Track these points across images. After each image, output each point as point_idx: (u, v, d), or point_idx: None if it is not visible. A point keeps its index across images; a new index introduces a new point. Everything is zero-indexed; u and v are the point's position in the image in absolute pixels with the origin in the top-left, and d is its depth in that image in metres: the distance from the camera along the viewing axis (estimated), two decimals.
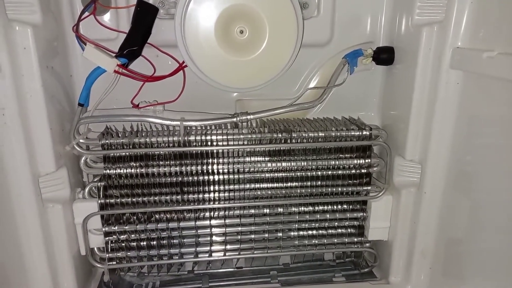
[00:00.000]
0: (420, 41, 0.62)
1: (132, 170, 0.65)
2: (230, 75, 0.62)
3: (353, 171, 0.70)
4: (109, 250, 0.69)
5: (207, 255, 0.73)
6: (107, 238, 0.68)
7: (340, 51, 0.72)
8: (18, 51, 0.54)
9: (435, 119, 0.63)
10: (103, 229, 0.67)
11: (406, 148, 0.67)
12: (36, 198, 0.59)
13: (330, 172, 0.70)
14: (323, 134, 0.67)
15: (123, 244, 0.70)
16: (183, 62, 0.65)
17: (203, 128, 0.68)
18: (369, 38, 0.72)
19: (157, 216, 0.70)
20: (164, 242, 0.71)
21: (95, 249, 0.69)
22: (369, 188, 0.71)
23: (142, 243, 0.70)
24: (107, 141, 0.64)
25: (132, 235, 0.69)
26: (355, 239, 0.75)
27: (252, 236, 0.73)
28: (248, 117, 0.67)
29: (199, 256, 0.73)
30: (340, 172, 0.70)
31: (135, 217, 0.69)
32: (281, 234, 0.73)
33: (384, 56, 0.70)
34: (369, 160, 0.69)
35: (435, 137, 0.64)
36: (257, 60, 0.61)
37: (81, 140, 0.63)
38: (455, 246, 0.64)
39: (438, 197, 0.66)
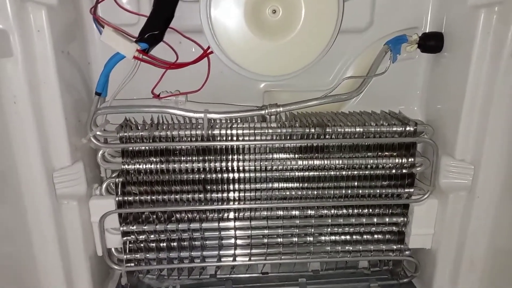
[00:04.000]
0: (477, 25, 0.54)
1: (152, 166, 0.61)
2: (260, 61, 0.56)
3: (394, 171, 0.63)
4: (127, 251, 0.65)
5: (231, 259, 0.68)
6: (125, 238, 0.64)
7: (379, 38, 0.65)
8: (31, 33, 0.49)
9: (492, 115, 0.56)
10: (121, 228, 0.63)
11: (456, 146, 0.59)
12: (50, 194, 0.55)
13: (367, 172, 0.63)
14: (361, 130, 0.61)
15: (142, 245, 0.65)
16: (208, 48, 0.60)
17: (228, 121, 0.62)
18: (413, 23, 0.65)
19: (178, 215, 0.65)
20: (185, 243, 0.66)
21: (113, 249, 0.65)
22: (411, 190, 0.64)
23: (161, 244, 0.65)
24: (125, 133, 0.59)
25: (151, 236, 0.65)
26: (394, 247, 0.67)
27: (280, 239, 0.67)
28: (278, 109, 0.61)
29: (222, 260, 0.67)
30: (378, 172, 0.63)
31: (154, 216, 0.64)
32: (311, 239, 0.67)
33: (432, 43, 0.62)
34: (413, 159, 0.62)
35: (491, 134, 0.57)
36: (290, 44, 0.55)
37: (98, 133, 0.59)
38: (509, 257, 0.57)
39: (493, 202, 0.59)
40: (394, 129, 0.61)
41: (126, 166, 0.60)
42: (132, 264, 0.66)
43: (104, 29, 0.55)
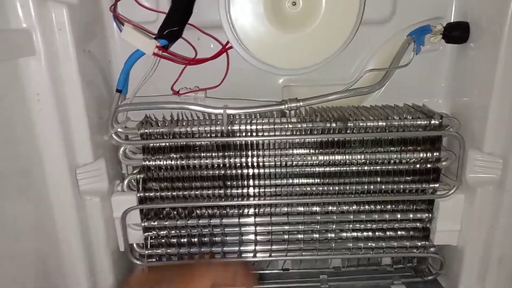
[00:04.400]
0: (506, 12, 0.52)
1: (172, 162, 0.61)
2: (280, 54, 0.55)
3: (418, 166, 0.61)
4: (149, 246, 0.65)
5: (251, 255, 0.67)
6: (146, 233, 0.65)
7: (402, 29, 0.63)
8: (53, 32, 0.50)
9: None
10: (142, 224, 0.63)
11: (484, 139, 0.57)
12: (74, 191, 0.56)
13: (391, 167, 0.61)
14: (384, 124, 0.59)
15: (163, 241, 0.66)
16: (227, 43, 0.59)
17: (248, 116, 0.62)
18: (437, 13, 0.63)
19: (198, 211, 0.65)
20: (205, 239, 0.66)
21: (134, 245, 0.66)
22: (436, 185, 0.62)
23: (182, 240, 0.66)
24: (146, 130, 0.60)
25: (172, 231, 0.65)
26: (418, 243, 0.66)
27: (300, 236, 0.67)
28: (298, 104, 0.60)
29: (242, 256, 0.67)
30: (402, 167, 0.61)
31: (175, 212, 0.65)
32: (333, 235, 0.66)
33: (457, 33, 0.60)
34: (438, 154, 0.60)
35: None
36: (311, 36, 0.54)
37: (119, 129, 0.59)
38: None
39: None
40: (419, 122, 0.59)
41: (147, 162, 0.61)
42: (154, 260, 0.67)
43: (124, 26, 0.55)
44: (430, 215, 0.64)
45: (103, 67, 0.62)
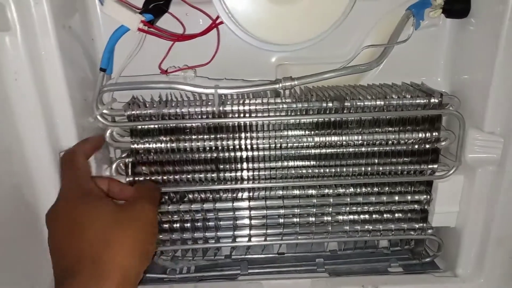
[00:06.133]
0: None
1: (162, 145, 0.58)
2: (273, 28, 0.52)
3: (417, 146, 0.59)
4: None
5: (246, 239, 0.66)
6: None
7: (401, 4, 0.60)
8: (29, 6, 0.46)
9: None
10: None
11: (485, 118, 0.55)
12: (58, 175, 0.53)
13: (388, 148, 0.60)
14: (382, 103, 0.57)
15: None
16: (217, 18, 0.56)
17: (241, 97, 0.59)
18: None
19: (190, 196, 0.63)
20: (198, 224, 0.64)
21: None
22: (435, 166, 0.60)
23: (175, 225, 0.64)
24: (133, 111, 0.57)
25: (164, 217, 0.63)
26: (416, 225, 0.64)
27: (296, 219, 0.65)
28: (293, 83, 0.57)
29: (237, 240, 0.66)
30: (400, 148, 0.60)
31: (166, 197, 0.62)
32: (329, 218, 0.64)
33: (458, 6, 0.57)
34: (437, 134, 0.58)
35: None
36: (306, 8, 0.51)
37: (105, 111, 0.56)
38: None
39: None
40: (418, 101, 0.57)
41: (136, 145, 0.58)
42: None
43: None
44: (428, 196, 0.62)
45: (86, 45, 0.58)
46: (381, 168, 0.60)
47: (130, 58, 0.55)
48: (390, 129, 0.59)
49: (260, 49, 0.59)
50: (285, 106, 0.57)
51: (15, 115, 0.49)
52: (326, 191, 0.63)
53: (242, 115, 0.58)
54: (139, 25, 0.51)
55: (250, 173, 0.61)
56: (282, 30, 0.53)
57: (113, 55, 0.57)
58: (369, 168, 0.60)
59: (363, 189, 0.63)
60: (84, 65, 0.58)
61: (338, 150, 0.59)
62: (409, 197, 0.63)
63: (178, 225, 0.63)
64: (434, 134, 0.58)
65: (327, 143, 0.59)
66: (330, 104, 0.57)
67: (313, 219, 0.65)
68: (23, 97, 0.48)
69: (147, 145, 0.58)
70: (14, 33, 0.46)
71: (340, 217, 0.65)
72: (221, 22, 0.56)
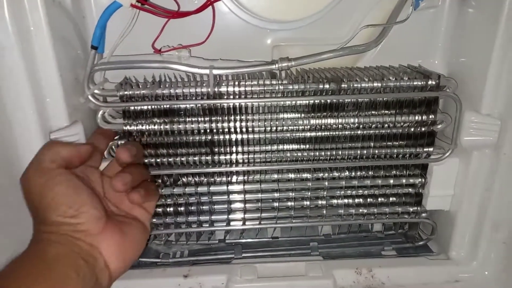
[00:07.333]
0: None
1: (156, 127, 0.57)
2: (271, 3, 0.50)
3: (412, 129, 0.59)
4: None
5: (240, 223, 0.65)
6: None
7: None
8: None
9: None
10: None
11: (482, 101, 0.55)
12: None
13: (384, 131, 0.59)
14: (380, 85, 0.56)
15: None
16: None
17: (236, 77, 0.58)
18: None
19: (184, 179, 0.62)
20: (192, 208, 0.64)
21: None
22: (431, 149, 0.60)
23: (168, 209, 0.63)
24: (126, 92, 0.55)
25: (158, 201, 0.62)
26: (410, 209, 0.65)
27: (290, 203, 0.65)
28: (289, 63, 0.56)
29: (231, 224, 0.65)
30: (396, 131, 0.59)
31: (160, 180, 0.61)
32: (324, 202, 0.64)
33: None
34: (433, 116, 0.58)
35: None
36: None
37: (96, 91, 0.55)
38: None
39: None
40: (415, 83, 0.56)
41: (128, 127, 0.57)
42: None
43: None
44: (423, 180, 0.62)
45: (77, 23, 0.56)
46: (376, 151, 0.60)
47: (123, 37, 0.53)
48: (386, 111, 0.58)
49: (256, 27, 0.57)
50: (281, 87, 0.56)
51: (3, 92, 0.47)
52: (321, 174, 0.63)
53: (237, 96, 0.57)
54: (132, 0, 0.49)
55: (245, 156, 0.60)
56: (280, 6, 0.51)
57: (105, 34, 0.55)
58: (365, 151, 0.60)
59: (358, 173, 0.63)
60: (74, 43, 0.56)
61: (334, 133, 0.59)
62: (404, 181, 0.63)
63: (171, 209, 0.63)
64: (430, 116, 0.58)
65: (323, 126, 0.58)
66: (327, 86, 0.56)
67: (308, 202, 0.64)
68: (11, 73, 0.46)
69: (140, 127, 0.57)
70: (1, 6, 0.44)
71: (335, 201, 0.64)
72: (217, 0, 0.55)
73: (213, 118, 0.58)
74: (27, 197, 0.44)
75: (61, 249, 0.41)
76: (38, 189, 0.43)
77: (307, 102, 0.58)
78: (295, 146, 0.60)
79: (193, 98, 0.57)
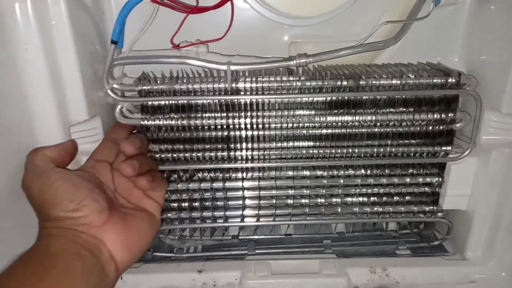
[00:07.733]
0: None
1: (173, 122, 0.57)
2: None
3: (431, 128, 0.59)
4: None
5: (255, 219, 0.65)
6: None
7: None
8: None
9: None
10: None
11: (503, 99, 0.54)
12: None
13: (402, 129, 0.59)
14: (399, 82, 0.56)
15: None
16: None
17: (253, 74, 0.58)
18: None
19: (200, 175, 0.63)
20: (207, 203, 0.64)
21: None
22: (449, 148, 0.59)
23: (183, 204, 0.63)
24: (144, 87, 0.55)
25: (173, 195, 0.62)
26: (426, 208, 0.64)
27: (305, 200, 0.64)
28: (307, 60, 0.56)
29: (245, 220, 0.65)
30: (414, 129, 0.59)
31: (176, 176, 0.62)
32: (338, 200, 0.64)
33: None
34: (453, 115, 0.57)
35: None
36: None
37: (115, 86, 0.55)
38: None
39: None
40: (435, 81, 0.56)
41: (146, 122, 0.57)
42: None
43: None
44: (440, 179, 0.62)
45: (96, 18, 0.57)
46: (393, 150, 0.60)
47: (142, 31, 0.53)
48: (405, 109, 0.58)
49: (274, 22, 0.57)
50: (298, 84, 0.56)
51: (25, 86, 0.47)
52: (336, 172, 0.62)
53: (254, 92, 0.57)
54: None
55: (261, 152, 0.60)
56: (299, 1, 0.51)
57: (124, 28, 0.55)
58: (382, 149, 0.60)
59: (374, 171, 0.62)
60: (94, 38, 0.56)
61: (351, 131, 0.59)
62: (420, 180, 0.62)
63: (186, 204, 0.63)
64: (449, 115, 0.57)
65: (340, 123, 0.58)
66: (344, 83, 0.56)
67: (323, 200, 0.64)
68: (32, 68, 0.47)
69: (157, 122, 0.57)
70: (24, 0, 0.44)
71: (349, 199, 0.64)
72: None
73: (229, 114, 0.58)
74: (31, 200, 0.45)
75: (64, 242, 0.41)
76: (38, 190, 0.44)
77: (324, 99, 0.57)
78: (311, 143, 0.60)
79: (210, 94, 0.57)
